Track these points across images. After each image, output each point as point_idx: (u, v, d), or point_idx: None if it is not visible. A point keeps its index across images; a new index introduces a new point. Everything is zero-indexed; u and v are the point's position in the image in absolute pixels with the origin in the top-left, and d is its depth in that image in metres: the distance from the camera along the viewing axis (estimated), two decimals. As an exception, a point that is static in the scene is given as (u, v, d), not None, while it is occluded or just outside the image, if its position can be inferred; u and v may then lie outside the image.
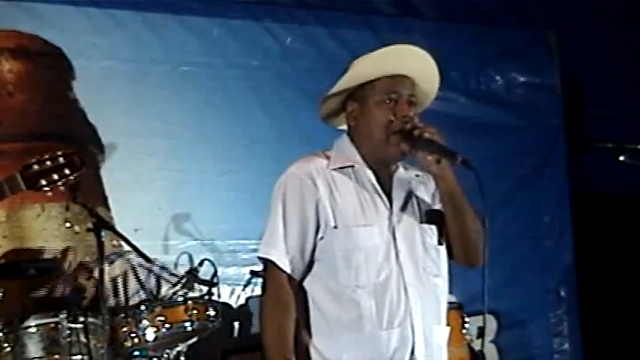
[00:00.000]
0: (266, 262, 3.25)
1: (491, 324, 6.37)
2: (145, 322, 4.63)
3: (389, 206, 3.25)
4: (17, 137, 5.42)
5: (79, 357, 4.44)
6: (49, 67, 5.55)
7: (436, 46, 6.43)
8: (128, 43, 5.73)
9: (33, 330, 4.44)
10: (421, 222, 3.28)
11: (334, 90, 3.33)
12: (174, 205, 5.68)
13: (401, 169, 3.33)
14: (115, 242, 5.35)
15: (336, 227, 3.19)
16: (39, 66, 5.53)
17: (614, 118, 6.52)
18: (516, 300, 6.43)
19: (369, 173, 3.27)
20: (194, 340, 4.84)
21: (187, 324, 4.71)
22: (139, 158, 5.65)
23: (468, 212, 3.27)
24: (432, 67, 3.42)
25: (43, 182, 3.92)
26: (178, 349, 4.81)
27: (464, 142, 6.30)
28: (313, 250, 3.23)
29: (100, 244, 4.48)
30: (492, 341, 6.39)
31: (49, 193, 3.94)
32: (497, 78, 6.73)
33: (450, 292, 5.73)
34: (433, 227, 3.29)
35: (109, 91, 5.65)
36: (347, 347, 3.18)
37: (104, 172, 5.58)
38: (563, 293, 6.62)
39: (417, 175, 3.35)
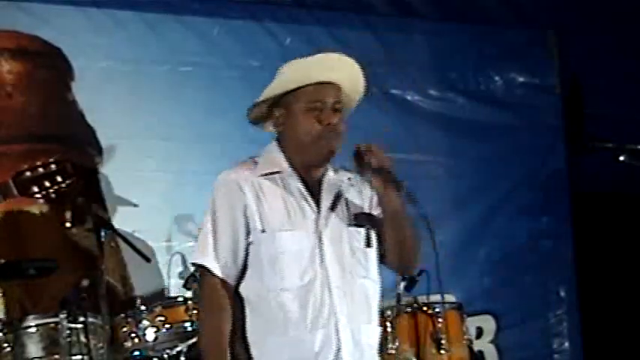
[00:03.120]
0: (200, 267, 3.34)
1: (490, 324, 6.38)
2: (145, 322, 4.63)
3: (316, 210, 3.32)
4: (16, 139, 5.41)
5: (79, 357, 4.43)
6: (49, 67, 5.55)
7: (435, 46, 6.54)
8: (128, 43, 5.73)
9: (33, 330, 4.44)
10: (349, 225, 3.34)
11: (262, 97, 3.42)
12: (173, 206, 5.67)
13: (330, 173, 3.40)
14: (112, 244, 5.34)
15: (263, 231, 3.27)
16: (38, 66, 5.53)
17: (614, 118, 6.51)
18: (516, 300, 6.43)
19: (296, 179, 3.34)
20: (194, 340, 4.83)
21: (187, 324, 4.71)
22: (138, 159, 5.65)
23: (408, 226, 3.35)
24: (357, 74, 3.46)
25: (35, 189, 3.95)
26: (178, 349, 4.80)
27: (463, 143, 6.41)
28: (246, 255, 3.29)
29: (100, 244, 4.48)
30: (492, 341, 6.39)
31: (41, 200, 3.97)
32: (497, 78, 6.73)
33: (450, 292, 5.78)
34: (361, 230, 3.35)
35: (108, 92, 5.64)
36: (273, 351, 3.25)
37: (103, 174, 5.57)
38: (562, 293, 6.61)
39: (349, 179, 3.42)
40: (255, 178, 3.32)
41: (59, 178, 3.97)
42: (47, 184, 3.95)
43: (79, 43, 5.59)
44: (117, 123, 5.61)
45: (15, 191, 3.94)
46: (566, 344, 6.59)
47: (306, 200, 3.32)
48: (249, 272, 3.29)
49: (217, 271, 3.26)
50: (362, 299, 3.32)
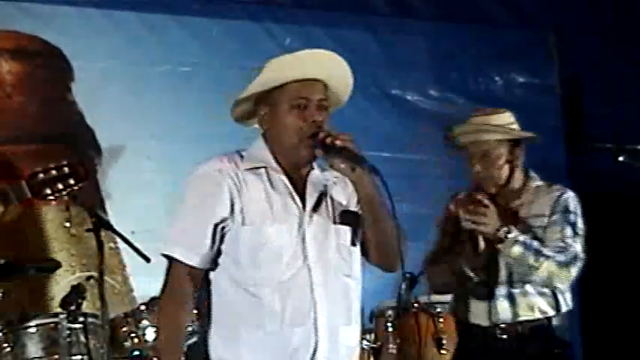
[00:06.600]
0: (169, 258, 3.22)
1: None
2: (145, 322, 4.64)
3: (301, 207, 3.25)
4: (15, 139, 5.41)
5: (79, 357, 4.44)
6: (49, 67, 5.56)
7: (435, 46, 6.54)
8: (127, 44, 5.73)
9: (33, 330, 4.44)
10: (334, 222, 3.30)
11: (244, 95, 3.37)
12: (173, 207, 5.65)
13: (316, 171, 3.35)
14: (111, 244, 5.34)
15: (243, 224, 3.19)
16: (38, 67, 5.54)
17: (614, 118, 6.51)
18: (516, 300, 6.42)
19: (282, 174, 3.27)
20: (194, 340, 4.83)
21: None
22: (137, 160, 5.65)
23: (386, 218, 3.27)
24: (345, 71, 3.40)
25: (48, 191, 3.94)
26: (178, 349, 4.80)
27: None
28: (221, 241, 3.21)
29: (100, 245, 4.47)
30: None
31: (53, 202, 3.96)
32: (497, 78, 6.73)
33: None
34: (347, 228, 3.31)
35: (108, 92, 5.65)
36: (247, 345, 3.19)
37: (101, 174, 5.57)
38: (563, 293, 6.60)
39: (336, 177, 3.35)
40: (238, 171, 3.25)
41: (72, 181, 3.96)
42: (60, 186, 3.94)
43: (79, 43, 5.60)
44: (116, 123, 5.61)
45: (28, 193, 3.93)
46: (567, 344, 6.58)
47: (292, 196, 3.26)
48: (223, 259, 3.22)
49: (189, 260, 3.17)
50: (343, 298, 3.28)
